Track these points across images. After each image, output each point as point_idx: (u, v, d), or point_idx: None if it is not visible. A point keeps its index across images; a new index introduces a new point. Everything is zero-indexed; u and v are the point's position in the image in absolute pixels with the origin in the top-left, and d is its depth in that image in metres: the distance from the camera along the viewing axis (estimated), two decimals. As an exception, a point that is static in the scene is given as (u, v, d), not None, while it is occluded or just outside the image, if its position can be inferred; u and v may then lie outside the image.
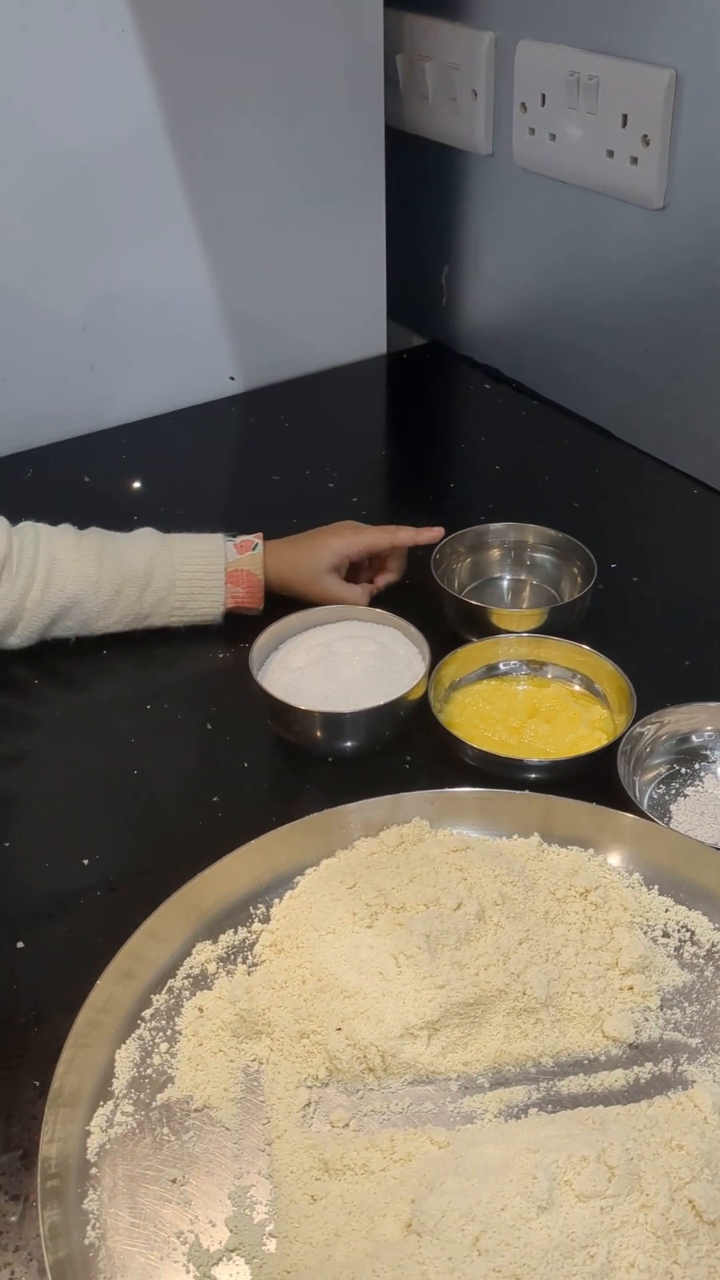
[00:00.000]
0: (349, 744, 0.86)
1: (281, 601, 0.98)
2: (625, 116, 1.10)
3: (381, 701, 0.84)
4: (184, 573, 0.96)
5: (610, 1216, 0.55)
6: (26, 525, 0.97)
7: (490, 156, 1.30)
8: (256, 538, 0.99)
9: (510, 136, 1.25)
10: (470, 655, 0.92)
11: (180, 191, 1.24)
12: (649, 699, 0.86)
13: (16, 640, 0.95)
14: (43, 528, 0.97)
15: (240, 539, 0.99)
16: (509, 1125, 0.62)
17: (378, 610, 0.94)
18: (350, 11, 1.24)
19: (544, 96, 1.18)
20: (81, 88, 1.13)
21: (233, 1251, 0.58)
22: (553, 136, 1.18)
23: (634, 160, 1.10)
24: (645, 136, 1.08)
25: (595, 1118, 0.61)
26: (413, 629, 0.91)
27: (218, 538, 0.98)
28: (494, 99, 1.25)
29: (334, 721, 0.84)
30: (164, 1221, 0.59)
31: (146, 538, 0.98)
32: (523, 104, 1.21)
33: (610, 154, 1.13)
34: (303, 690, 0.86)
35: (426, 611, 0.95)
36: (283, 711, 0.85)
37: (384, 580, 1.02)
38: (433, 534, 0.99)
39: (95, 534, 0.98)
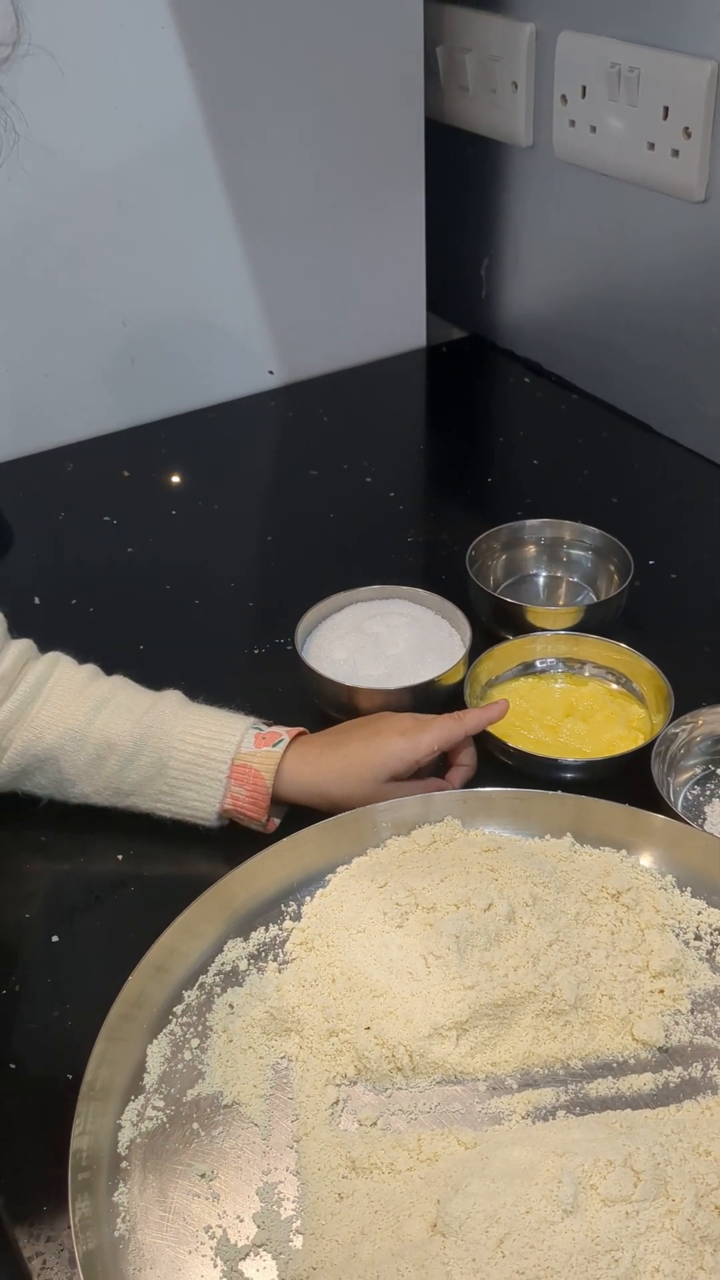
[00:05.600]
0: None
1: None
2: (666, 108, 1.08)
3: (428, 677, 0.86)
4: (180, 755, 0.77)
5: (635, 1221, 0.55)
6: (46, 656, 0.83)
7: (531, 149, 1.29)
8: (287, 732, 0.79)
9: (551, 128, 1.24)
10: (506, 653, 0.92)
11: (221, 185, 1.24)
12: (687, 698, 0.86)
13: None
14: (60, 664, 0.82)
15: (269, 729, 0.79)
16: (536, 1127, 0.62)
17: (418, 590, 0.95)
18: (390, 4, 1.23)
19: (584, 88, 1.17)
20: (122, 82, 1.14)
21: (260, 1247, 0.58)
22: (593, 129, 1.17)
23: (675, 153, 1.09)
24: (686, 129, 1.07)
25: (623, 1121, 0.61)
26: (450, 606, 0.93)
27: (240, 721, 0.80)
28: (534, 91, 1.25)
29: (380, 698, 0.85)
30: (192, 1216, 0.59)
31: (161, 703, 0.80)
32: (563, 96, 1.20)
33: (651, 146, 1.11)
34: (357, 672, 0.88)
35: (462, 608, 0.95)
36: (341, 692, 0.86)
37: (459, 777, 0.83)
38: (500, 709, 0.82)
39: (109, 684, 0.82)
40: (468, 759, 0.83)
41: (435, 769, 0.83)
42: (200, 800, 0.78)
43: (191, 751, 0.77)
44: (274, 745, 0.78)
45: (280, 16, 1.18)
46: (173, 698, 0.81)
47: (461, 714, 0.81)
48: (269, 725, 0.80)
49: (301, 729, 0.81)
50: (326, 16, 1.21)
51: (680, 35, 1.06)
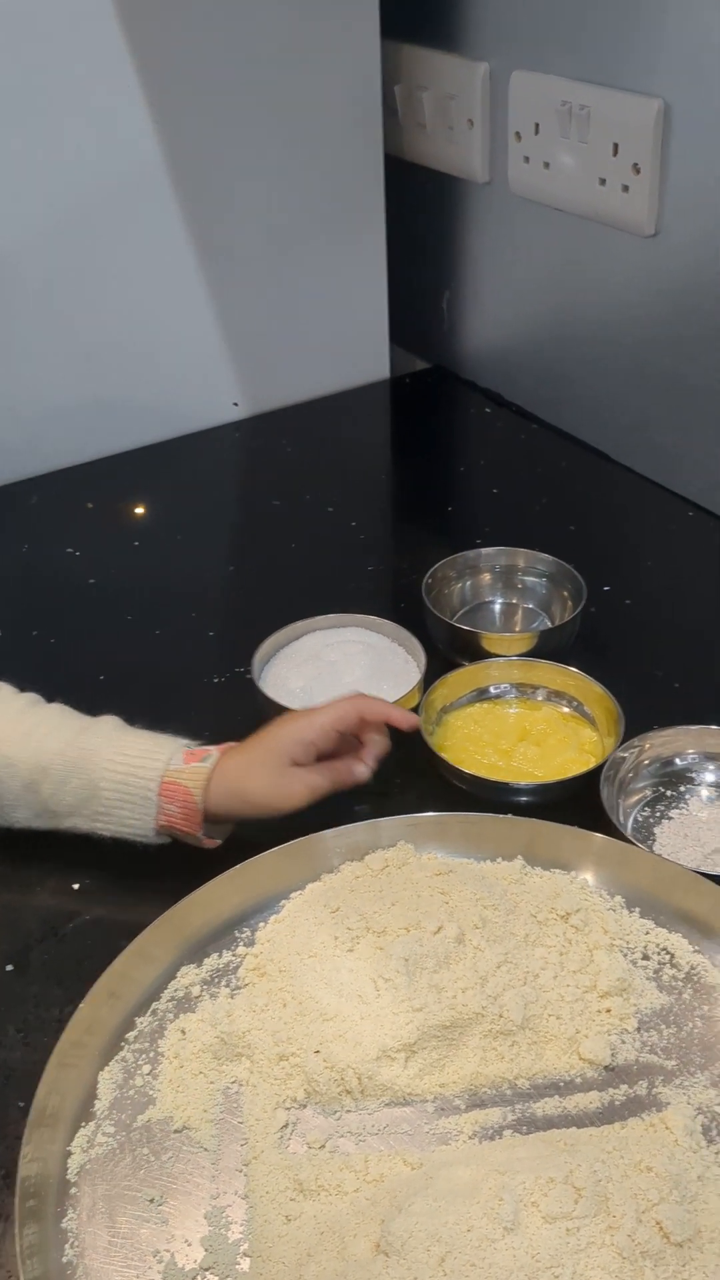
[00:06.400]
0: None
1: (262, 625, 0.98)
2: (616, 145, 1.11)
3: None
4: (110, 776, 0.77)
5: (576, 1238, 0.56)
6: None
7: (488, 184, 1.32)
8: (216, 748, 0.80)
9: (506, 164, 1.26)
10: (461, 679, 0.93)
11: (183, 221, 1.26)
12: (640, 721, 0.87)
13: None
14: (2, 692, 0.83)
15: (200, 748, 0.80)
16: (482, 1147, 0.63)
17: (375, 618, 0.96)
18: (348, 43, 1.26)
19: (537, 125, 1.19)
20: (83, 121, 1.16)
21: (207, 1270, 0.59)
22: (546, 165, 1.20)
23: (625, 188, 1.12)
24: (636, 165, 1.10)
25: (567, 1140, 0.62)
26: (406, 633, 0.95)
27: (169, 742, 0.80)
28: (490, 128, 1.27)
29: None
30: (141, 1240, 0.60)
31: (94, 726, 0.80)
32: (517, 133, 1.22)
33: (602, 182, 1.14)
34: (313, 700, 0.89)
35: (419, 637, 0.96)
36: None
37: (370, 755, 0.82)
38: (410, 721, 0.83)
39: (44, 711, 0.82)
40: (377, 734, 0.83)
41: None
42: (135, 819, 0.78)
43: (122, 772, 0.77)
44: (202, 761, 0.78)
45: (241, 57, 1.20)
46: (107, 722, 0.81)
47: (359, 694, 0.83)
48: (201, 745, 0.81)
49: (231, 744, 0.81)
50: (287, 56, 1.23)
51: (627, 74, 1.09)
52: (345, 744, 0.82)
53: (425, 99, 1.33)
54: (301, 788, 0.78)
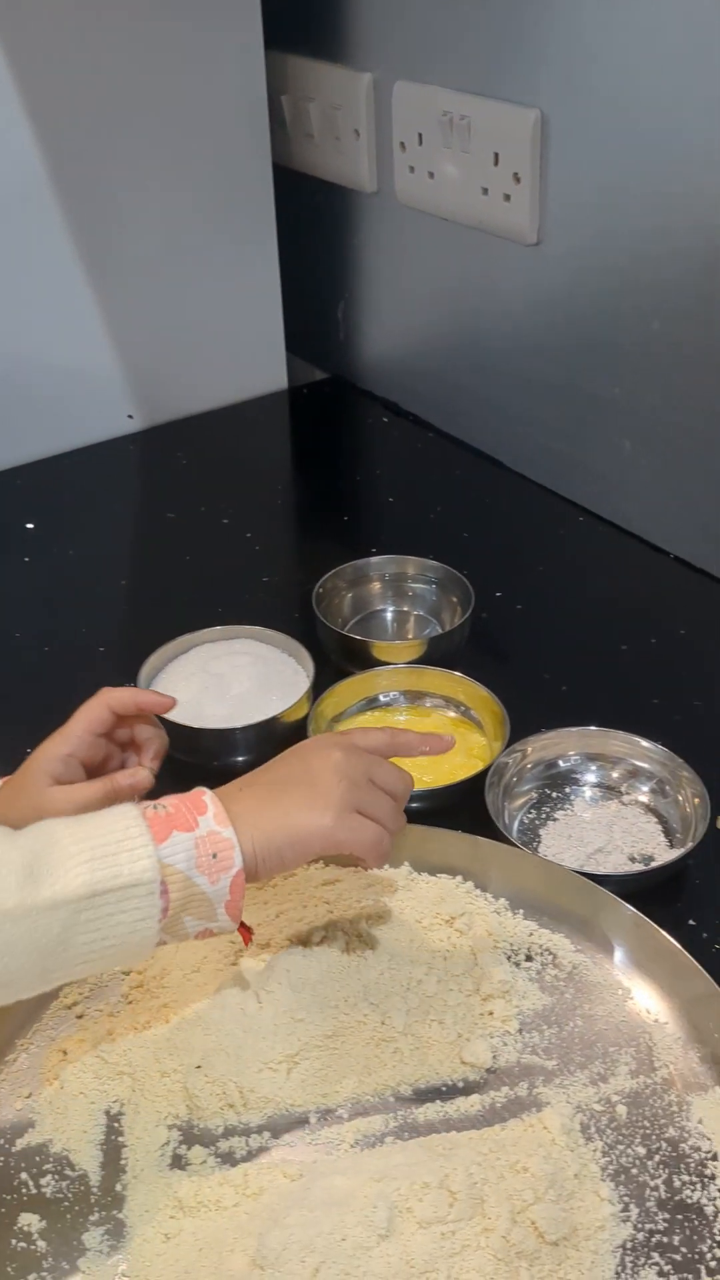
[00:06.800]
0: (240, 759, 0.88)
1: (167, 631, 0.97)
2: (497, 155, 1.12)
3: (271, 714, 0.88)
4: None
5: (451, 1241, 0.56)
6: None
7: (376, 194, 1.32)
8: None
9: (393, 174, 1.27)
10: (350, 688, 0.94)
11: (71, 232, 1.25)
12: (529, 725, 0.88)
13: None
14: None
15: None
16: (361, 1155, 0.63)
17: (264, 629, 0.96)
18: (233, 54, 1.26)
19: (421, 135, 1.20)
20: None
21: (83, 1294, 0.58)
22: (431, 174, 1.21)
23: (507, 197, 1.13)
24: (516, 174, 1.11)
25: (445, 1144, 0.63)
26: (295, 644, 0.95)
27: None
28: (375, 138, 1.28)
29: (224, 738, 0.87)
30: (19, 1266, 0.59)
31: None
32: (401, 143, 1.23)
33: (485, 191, 1.15)
34: (201, 713, 0.89)
35: (311, 647, 0.96)
36: (184, 733, 0.86)
37: (148, 754, 0.76)
38: (164, 703, 0.77)
39: None
40: (149, 729, 0.77)
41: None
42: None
43: None
44: None
45: (125, 68, 1.20)
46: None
47: (105, 689, 0.75)
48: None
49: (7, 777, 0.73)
50: (172, 67, 1.23)
51: (506, 84, 1.10)
52: (119, 747, 0.76)
53: (312, 109, 1.33)
54: (65, 805, 0.68)
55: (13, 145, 1.17)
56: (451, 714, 0.93)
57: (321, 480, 1.34)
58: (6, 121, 1.16)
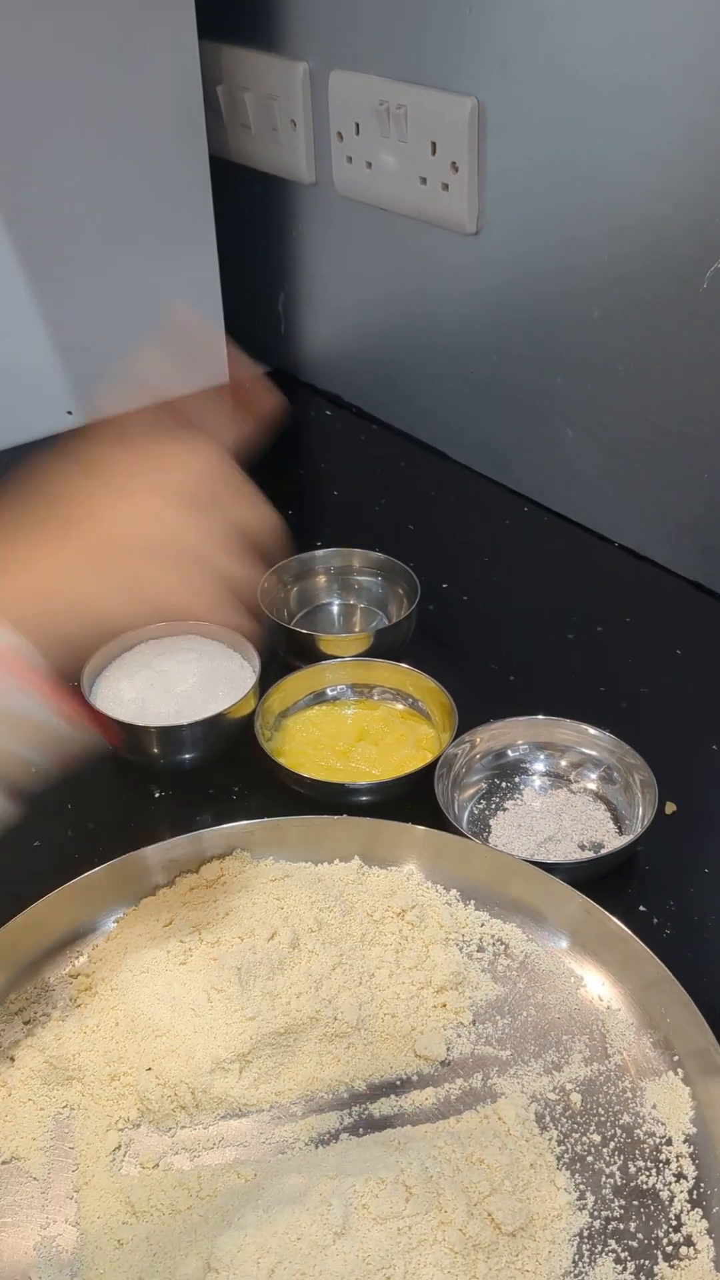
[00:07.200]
0: (186, 756, 0.88)
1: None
2: (434, 144, 1.12)
3: (217, 710, 0.86)
4: None
5: (408, 1236, 0.56)
6: None
7: (314, 185, 1.32)
8: None
9: (330, 165, 1.26)
10: (297, 683, 0.93)
11: (4, 227, 1.23)
12: (476, 715, 0.87)
13: None
14: None
15: None
16: (317, 1153, 0.63)
17: (208, 625, 0.95)
18: (165, 43, 1.24)
19: (358, 125, 1.19)
20: None
21: (35, 1303, 0.57)
22: (369, 164, 1.20)
23: (445, 186, 1.13)
24: (454, 163, 1.11)
25: (401, 1138, 0.62)
26: (240, 639, 0.93)
27: None
28: (312, 128, 1.27)
29: (170, 735, 0.86)
30: (-34, 1279, 0.58)
31: None
32: (339, 133, 1.22)
33: (423, 181, 1.15)
34: (146, 710, 0.87)
35: (256, 643, 0.95)
36: (123, 732, 0.86)
37: None
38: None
39: None
40: None
41: None
42: None
43: None
44: None
45: (57, 62, 1.18)
46: None
47: None
48: None
49: None
50: (103, 57, 1.21)
51: (442, 73, 1.10)
52: None
53: (248, 99, 1.32)
54: None
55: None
56: (400, 706, 0.92)
57: (264, 474, 1.32)
58: (-65, 113, 1.14)
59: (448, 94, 1.09)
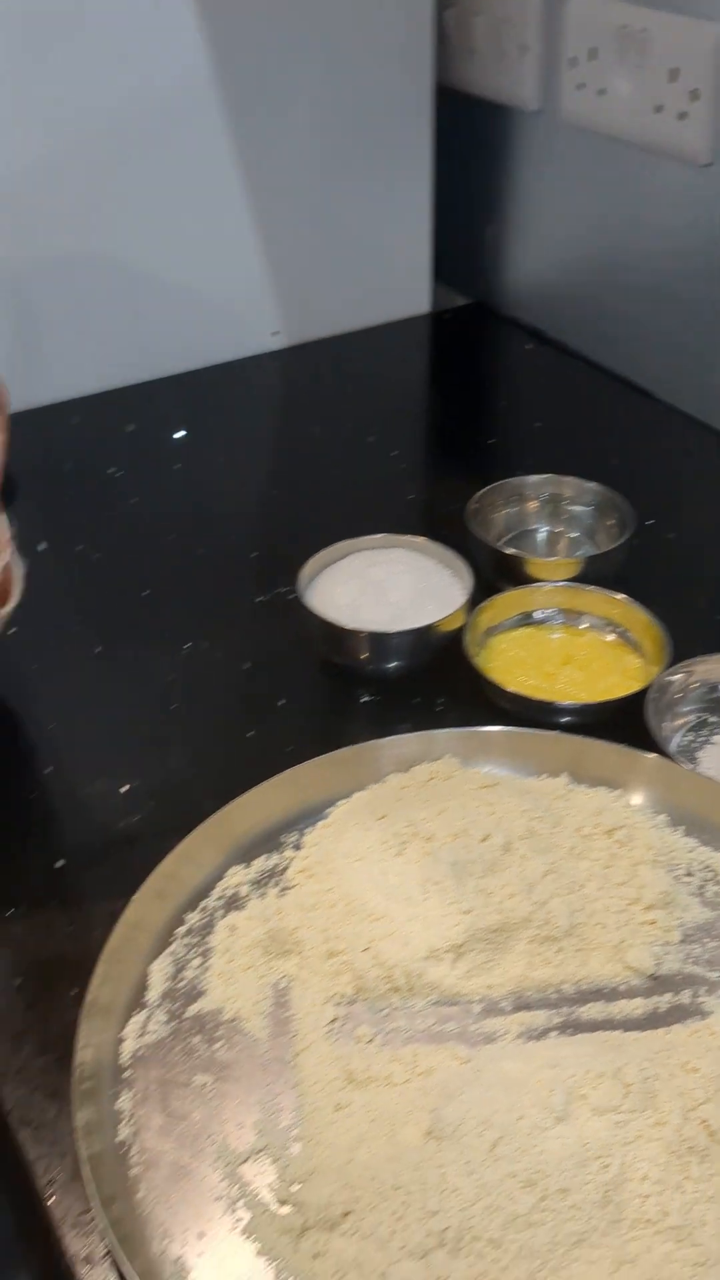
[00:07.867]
0: (393, 664, 0.90)
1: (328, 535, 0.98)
2: (674, 71, 1.09)
3: (428, 621, 0.88)
4: None
5: (625, 1130, 0.57)
6: None
7: (538, 113, 1.30)
8: None
9: (559, 92, 1.24)
10: (506, 602, 0.93)
11: (225, 146, 1.24)
12: (682, 650, 0.87)
13: None
14: None
15: None
16: (529, 1045, 0.64)
17: (422, 539, 0.96)
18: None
19: (593, 51, 1.17)
20: (125, 38, 1.14)
21: (259, 1151, 0.60)
22: (601, 91, 1.18)
23: (682, 115, 1.10)
24: (694, 91, 1.08)
25: (613, 1040, 0.63)
26: (453, 555, 0.94)
27: None
28: (544, 53, 1.25)
29: (382, 641, 0.88)
30: (194, 1122, 0.61)
31: None
32: (572, 58, 1.20)
33: (659, 109, 1.12)
34: (359, 616, 0.89)
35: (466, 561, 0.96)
36: (335, 635, 0.88)
37: None
38: None
39: None
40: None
41: None
42: None
43: None
44: None
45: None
46: None
47: None
48: None
49: None
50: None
51: (689, -1, 1.07)
52: None
53: (478, 24, 1.31)
54: None
55: (172, 53, 1.17)
56: (609, 636, 0.92)
57: (464, 405, 1.33)
58: (167, 29, 1.15)
59: (692, 19, 1.07)
